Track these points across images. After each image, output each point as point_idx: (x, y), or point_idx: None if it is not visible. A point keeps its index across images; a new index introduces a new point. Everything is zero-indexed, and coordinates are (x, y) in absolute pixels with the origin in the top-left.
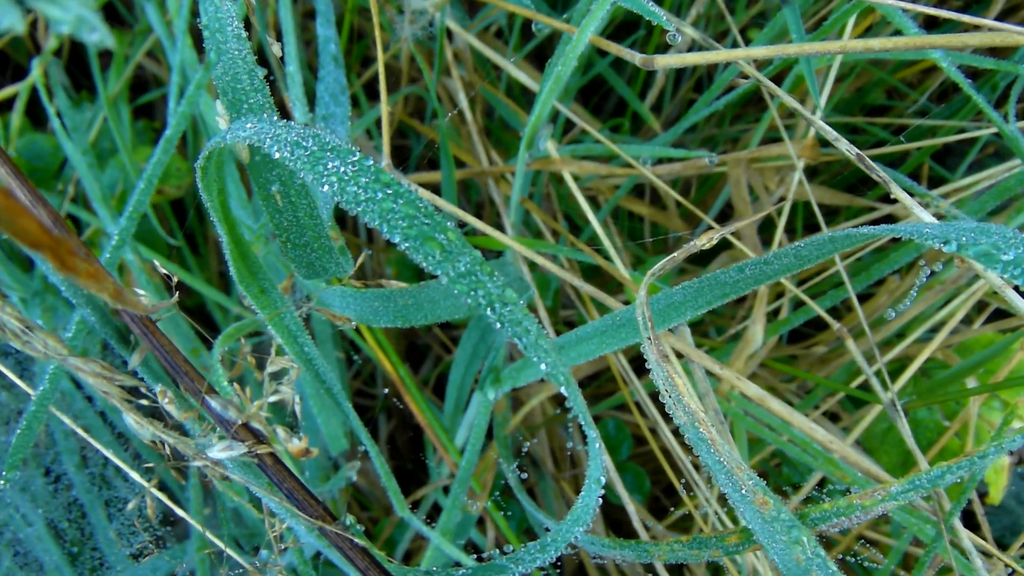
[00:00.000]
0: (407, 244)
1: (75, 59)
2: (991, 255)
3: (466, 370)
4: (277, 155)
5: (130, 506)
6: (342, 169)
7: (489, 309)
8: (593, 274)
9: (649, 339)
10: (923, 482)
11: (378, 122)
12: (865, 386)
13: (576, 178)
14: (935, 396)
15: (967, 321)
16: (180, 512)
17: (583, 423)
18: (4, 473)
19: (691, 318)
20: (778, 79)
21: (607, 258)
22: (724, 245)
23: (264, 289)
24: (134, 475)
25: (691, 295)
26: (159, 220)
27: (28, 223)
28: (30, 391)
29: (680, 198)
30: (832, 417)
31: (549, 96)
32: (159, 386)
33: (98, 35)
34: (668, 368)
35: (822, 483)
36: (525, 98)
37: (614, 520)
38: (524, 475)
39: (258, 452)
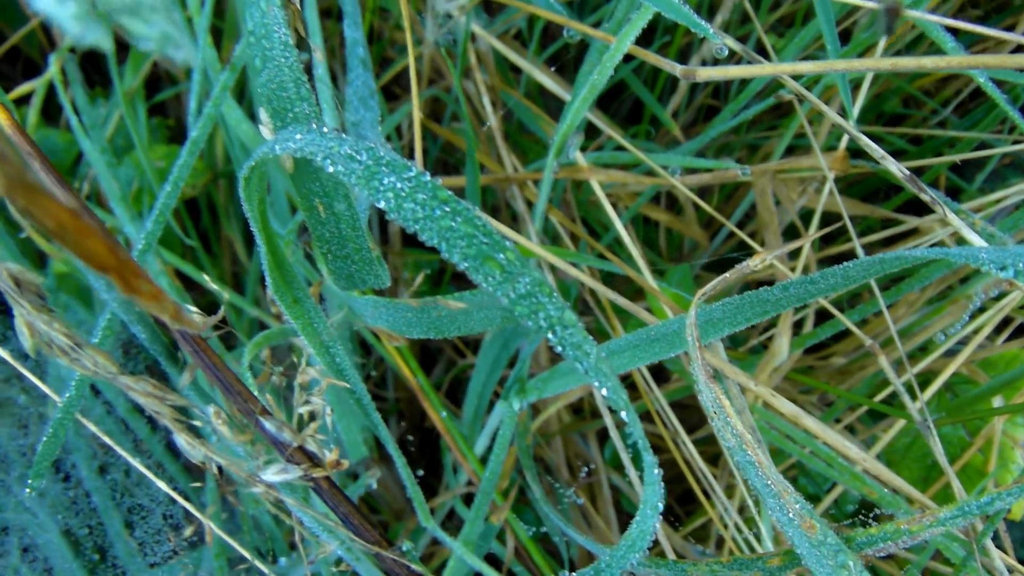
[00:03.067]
0: (466, 264)
1: (88, 54)
2: None
3: (487, 378)
4: (331, 169)
5: (156, 517)
6: (398, 185)
7: (551, 332)
8: (612, 280)
9: (698, 361)
10: (972, 508)
11: (398, 128)
12: (888, 399)
13: (601, 185)
14: (963, 414)
15: (990, 334)
16: (202, 518)
17: (642, 449)
18: (30, 480)
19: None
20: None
21: (633, 266)
22: (745, 250)
23: (298, 299)
24: (160, 484)
25: (731, 312)
26: (174, 218)
27: (97, 245)
28: (55, 397)
29: (706, 206)
30: (849, 429)
31: (582, 106)
32: (213, 407)
33: (183, 54)
34: (717, 390)
35: (838, 494)
36: (543, 100)
37: (624, 524)
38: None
39: (314, 476)
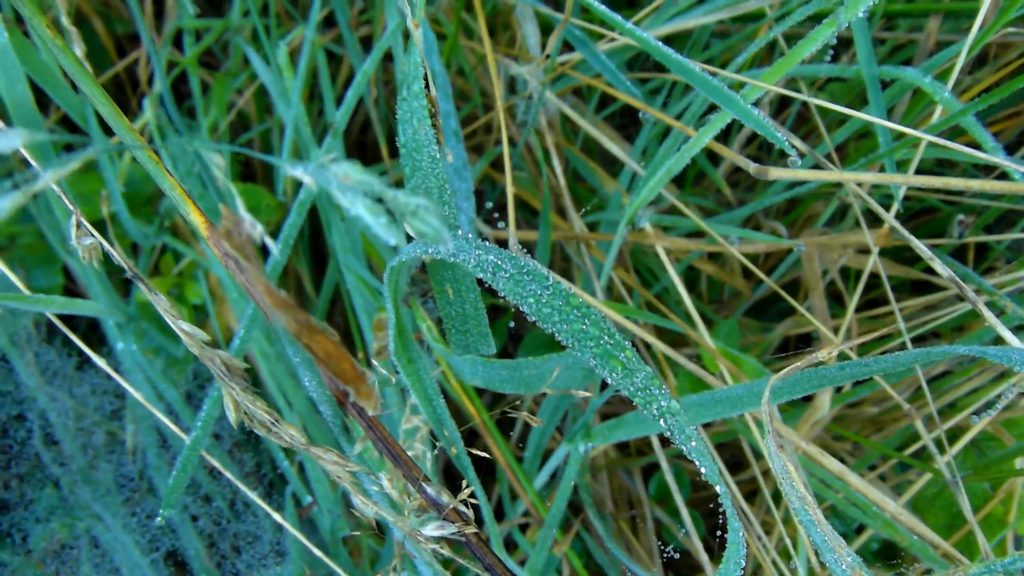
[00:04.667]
0: (594, 361)
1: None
2: None
3: (549, 419)
4: (479, 275)
5: (264, 544)
6: (538, 292)
7: (661, 420)
8: (662, 332)
9: (771, 435)
10: (998, 567)
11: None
12: (918, 452)
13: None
14: (989, 473)
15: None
16: (302, 538)
17: (729, 516)
18: (161, 511)
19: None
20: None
21: (683, 314)
22: (788, 310)
23: (412, 359)
24: (270, 511)
25: (791, 384)
26: None
27: (347, 366)
28: (183, 436)
29: (758, 271)
30: (880, 476)
31: (657, 185)
32: (385, 476)
33: (450, 245)
34: (784, 458)
35: (867, 536)
36: (599, 149)
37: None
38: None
39: (466, 532)
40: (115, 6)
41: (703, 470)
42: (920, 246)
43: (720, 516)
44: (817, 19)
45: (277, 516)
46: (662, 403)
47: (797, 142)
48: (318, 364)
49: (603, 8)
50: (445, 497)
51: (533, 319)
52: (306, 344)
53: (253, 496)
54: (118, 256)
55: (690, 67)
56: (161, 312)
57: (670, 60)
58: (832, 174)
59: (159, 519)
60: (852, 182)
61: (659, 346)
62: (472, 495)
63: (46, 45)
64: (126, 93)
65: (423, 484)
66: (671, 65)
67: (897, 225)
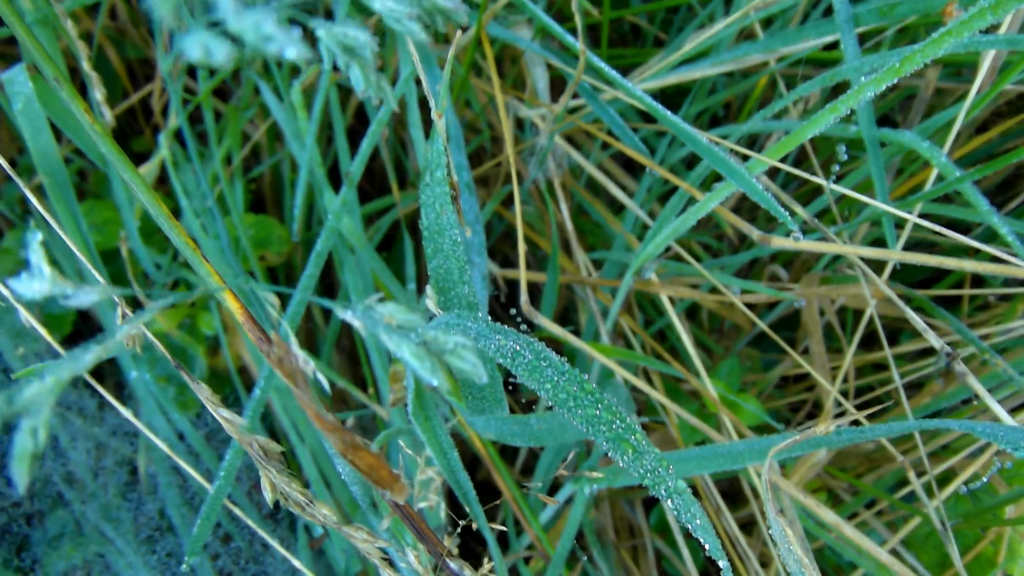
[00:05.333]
0: (606, 445)
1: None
2: None
3: (555, 457)
4: (500, 360)
5: None
6: (555, 378)
7: (669, 500)
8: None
9: (770, 502)
10: None
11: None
12: (910, 495)
13: (670, 296)
14: (979, 521)
15: None
16: None
17: (718, 559)
18: (187, 558)
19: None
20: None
21: (683, 349)
22: (789, 340)
23: (428, 417)
24: (287, 555)
25: (790, 444)
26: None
27: (386, 474)
28: (207, 484)
29: (760, 323)
30: (878, 513)
31: (663, 242)
32: (412, 552)
33: (481, 372)
34: (783, 522)
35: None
36: (606, 190)
37: None
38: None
39: None
40: (127, 31)
41: (707, 546)
42: (915, 318)
43: (736, 554)
44: (820, 63)
45: (295, 561)
46: (669, 484)
47: (799, 209)
48: (360, 472)
49: (614, 73)
50: (468, 572)
51: (549, 402)
52: (351, 460)
53: (270, 540)
54: (162, 349)
55: (697, 137)
56: (203, 400)
57: (678, 128)
58: (834, 247)
59: (184, 566)
60: (852, 254)
61: (660, 399)
62: (492, 570)
63: (58, 89)
64: (137, 118)
65: (447, 560)
66: (678, 132)
67: (893, 296)
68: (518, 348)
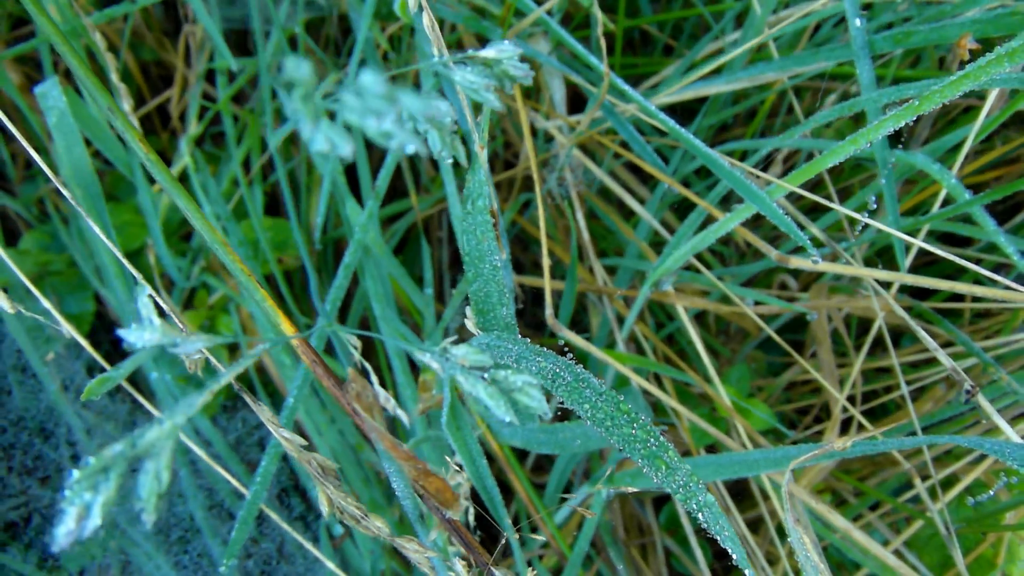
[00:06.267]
0: (642, 462)
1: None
2: None
3: (569, 459)
4: (541, 382)
5: None
6: (593, 398)
7: (699, 513)
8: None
9: (790, 518)
10: None
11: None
12: (916, 497)
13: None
14: (980, 526)
15: None
16: None
17: (742, 566)
18: (225, 560)
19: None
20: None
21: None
22: (797, 343)
23: (459, 427)
24: (318, 554)
25: (803, 454)
26: (270, 287)
27: (448, 494)
28: (243, 489)
29: (772, 333)
30: (883, 515)
31: (683, 256)
32: (459, 560)
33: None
34: (801, 532)
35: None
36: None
37: None
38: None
39: None
40: (143, 35)
41: (735, 556)
42: (926, 337)
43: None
44: (833, 76)
45: (327, 561)
46: (700, 498)
47: (815, 230)
48: (426, 494)
49: (636, 95)
50: None
51: (586, 421)
52: (422, 484)
53: (301, 540)
54: (215, 363)
55: (718, 161)
56: (265, 421)
57: (700, 152)
58: (849, 268)
59: (222, 568)
60: (869, 277)
61: (674, 404)
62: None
63: (95, 102)
64: (152, 119)
65: (492, 568)
66: (700, 156)
67: (906, 316)
68: (558, 370)
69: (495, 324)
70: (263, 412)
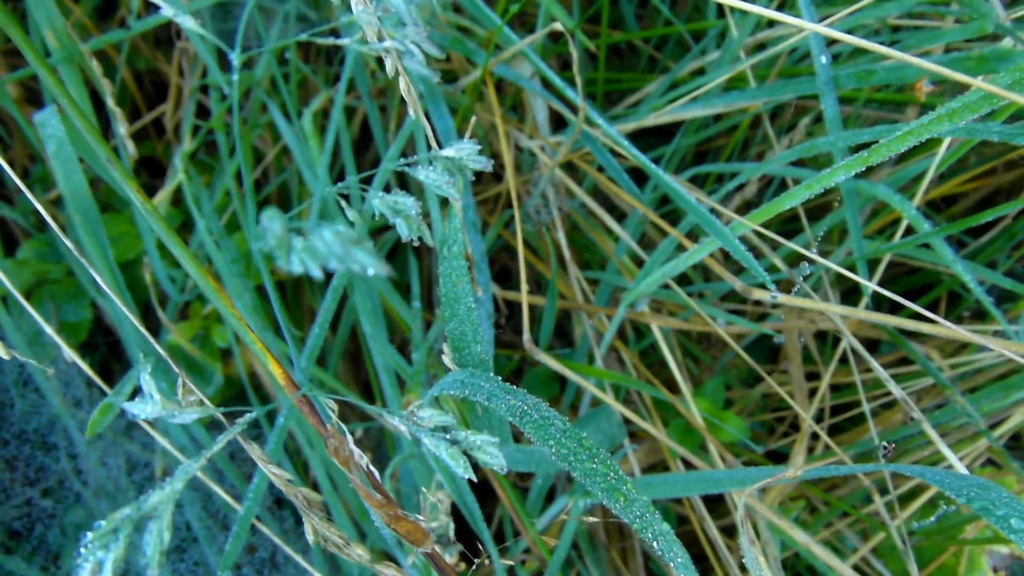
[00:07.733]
0: (601, 495)
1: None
2: (988, 510)
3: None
4: (510, 419)
5: None
6: (557, 435)
7: (655, 542)
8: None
9: (747, 537)
10: None
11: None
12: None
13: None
14: (944, 535)
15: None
16: None
17: None
18: (219, 571)
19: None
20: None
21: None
22: (773, 349)
23: None
24: (307, 567)
25: (765, 476)
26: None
27: (420, 535)
28: (236, 506)
29: (747, 357)
30: (851, 524)
31: (654, 282)
32: None
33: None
34: (756, 550)
35: None
36: (602, 199)
37: None
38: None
39: None
40: (138, 45)
41: None
42: (878, 368)
43: (699, 547)
44: (803, 107)
45: (316, 574)
46: (655, 527)
47: (778, 261)
48: (399, 535)
49: (612, 131)
50: None
51: (552, 457)
52: (393, 528)
53: (292, 553)
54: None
55: (685, 197)
56: (255, 459)
57: (670, 188)
58: (806, 302)
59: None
60: (835, 314)
61: (648, 427)
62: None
63: (90, 143)
64: (149, 131)
65: None
66: (669, 191)
67: (866, 354)
68: (526, 408)
69: (469, 360)
70: (253, 450)
